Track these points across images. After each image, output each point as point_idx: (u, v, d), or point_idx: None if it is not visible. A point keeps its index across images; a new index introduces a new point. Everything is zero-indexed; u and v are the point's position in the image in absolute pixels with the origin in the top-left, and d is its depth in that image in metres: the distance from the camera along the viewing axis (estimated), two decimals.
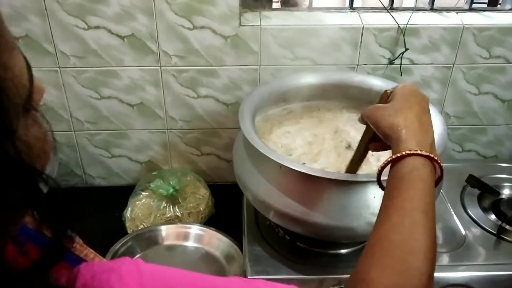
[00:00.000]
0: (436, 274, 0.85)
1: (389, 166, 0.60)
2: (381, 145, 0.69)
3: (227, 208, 1.15)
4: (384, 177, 0.62)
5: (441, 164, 0.57)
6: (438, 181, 0.59)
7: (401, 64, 1.09)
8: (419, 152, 0.56)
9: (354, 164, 0.78)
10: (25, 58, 0.33)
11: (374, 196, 0.76)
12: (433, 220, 0.54)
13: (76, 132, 1.16)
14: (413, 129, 0.59)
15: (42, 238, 0.37)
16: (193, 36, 1.04)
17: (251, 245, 0.90)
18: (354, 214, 0.76)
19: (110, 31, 1.03)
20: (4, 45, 0.31)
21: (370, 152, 0.75)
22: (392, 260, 0.51)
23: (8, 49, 0.31)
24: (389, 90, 0.67)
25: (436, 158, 0.57)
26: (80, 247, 0.46)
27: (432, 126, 0.62)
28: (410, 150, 0.56)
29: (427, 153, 0.56)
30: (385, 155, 0.64)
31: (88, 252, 0.45)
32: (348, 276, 0.83)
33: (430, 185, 0.56)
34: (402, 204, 0.54)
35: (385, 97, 0.67)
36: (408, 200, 0.54)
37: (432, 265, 0.52)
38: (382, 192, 0.75)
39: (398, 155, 0.57)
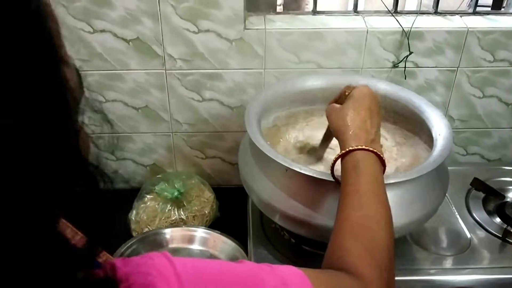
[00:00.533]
0: (441, 277, 0.86)
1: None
2: None
3: (231, 211, 1.15)
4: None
5: (380, 155, 0.68)
6: (384, 169, 0.70)
7: (405, 67, 1.10)
8: (359, 147, 0.68)
9: (322, 148, 0.91)
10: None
11: None
12: (384, 196, 0.66)
13: None
14: (355, 129, 0.70)
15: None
16: (198, 39, 1.04)
17: (256, 247, 0.91)
18: None
19: (115, 35, 1.04)
20: (64, 47, 0.32)
21: None
22: (361, 230, 0.61)
23: (66, 52, 0.33)
24: (348, 92, 0.78)
25: (374, 150, 0.68)
26: None
27: (377, 126, 0.73)
28: (352, 147, 0.68)
29: (367, 147, 0.68)
30: None
31: (101, 254, 0.46)
32: None
33: (376, 170, 0.67)
34: (358, 188, 0.65)
35: (344, 97, 0.78)
36: (360, 184, 0.65)
37: (392, 230, 0.63)
38: (388, 196, 0.76)
39: (343, 151, 0.69)
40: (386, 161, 0.70)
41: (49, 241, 0.32)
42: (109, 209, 0.37)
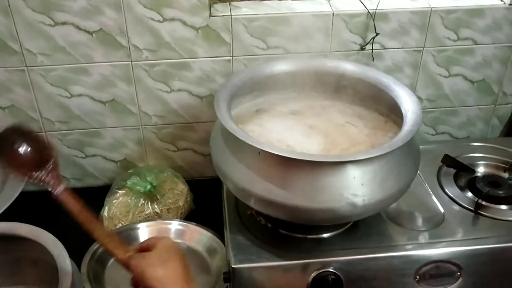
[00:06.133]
0: (417, 252, 0.87)
1: None
2: None
3: (206, 202, 1.14)
4: None
5: None
6: None
7: (372, 49, 1.10)
8: None
9: None
10: None
11: (354, 176, 0.76)
12: None
13: (47, 133, 1.13)
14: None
15: None
16: (163, 28, 1.03)
17: (233, 235, 0.89)
18: (335, 195, 0.76)
19: (77, 27, 1.01)
20: None
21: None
22: None
23: None
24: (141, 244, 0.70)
25: None
26: None
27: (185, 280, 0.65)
28: None
29: None
30: None
31: None
32: (331, 259, 0.83)
33: None
34: None
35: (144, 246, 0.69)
36: None
37: None
38: (362, 172, 0.77)
39: None
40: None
41: None
42: None
